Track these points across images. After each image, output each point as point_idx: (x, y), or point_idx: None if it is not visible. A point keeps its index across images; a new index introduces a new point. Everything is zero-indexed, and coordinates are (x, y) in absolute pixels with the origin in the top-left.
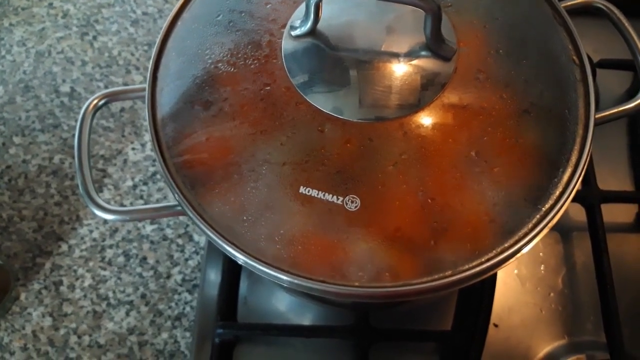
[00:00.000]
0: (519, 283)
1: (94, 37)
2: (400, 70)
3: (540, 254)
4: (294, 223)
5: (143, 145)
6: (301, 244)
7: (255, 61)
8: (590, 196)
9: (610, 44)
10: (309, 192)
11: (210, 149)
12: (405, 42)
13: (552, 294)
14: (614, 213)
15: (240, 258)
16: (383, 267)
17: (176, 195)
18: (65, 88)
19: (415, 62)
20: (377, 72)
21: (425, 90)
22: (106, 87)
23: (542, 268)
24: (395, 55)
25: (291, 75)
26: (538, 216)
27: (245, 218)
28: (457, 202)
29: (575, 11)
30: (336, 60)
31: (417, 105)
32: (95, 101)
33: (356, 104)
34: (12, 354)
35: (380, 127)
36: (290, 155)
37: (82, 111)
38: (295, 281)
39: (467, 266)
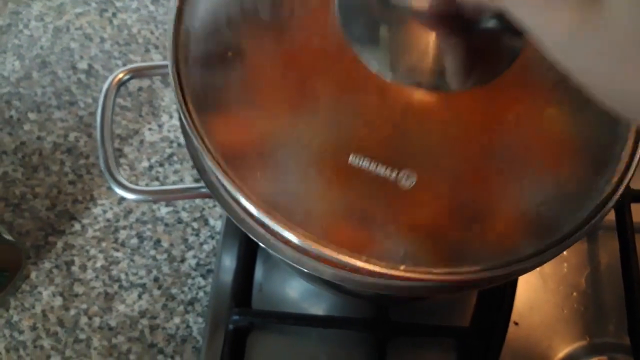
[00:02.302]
0: (541, 281)
1: (113, 14)
2: (468, 39)
3: (564, 252)
4: (337, 199)
5: (160, 126)
6: (339, 225)
7: (304, 13)
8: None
9: None
10: (359, 162)
11: (247, 115)
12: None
13: (574, 294)
14: None
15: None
16: (417, 256)
17: (217, 173)
18: (83, 65)
19: (486, 32)
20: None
21: (492, 64)
22: (124, 65)
23: (565, 266)
24: (465, 22)
25: (345, 31)
26: (585, 216)
27: (284, 199)
28: (498, 195)
29: None
30: (400, 19)
31: (483, 80)
32: (120, 75)
33: (419, 70)
34: (21, 332)
35: (441, 98)
36: (336, 123)
37: (105, 85)
38: (339, 274)
39: (503, 261)
